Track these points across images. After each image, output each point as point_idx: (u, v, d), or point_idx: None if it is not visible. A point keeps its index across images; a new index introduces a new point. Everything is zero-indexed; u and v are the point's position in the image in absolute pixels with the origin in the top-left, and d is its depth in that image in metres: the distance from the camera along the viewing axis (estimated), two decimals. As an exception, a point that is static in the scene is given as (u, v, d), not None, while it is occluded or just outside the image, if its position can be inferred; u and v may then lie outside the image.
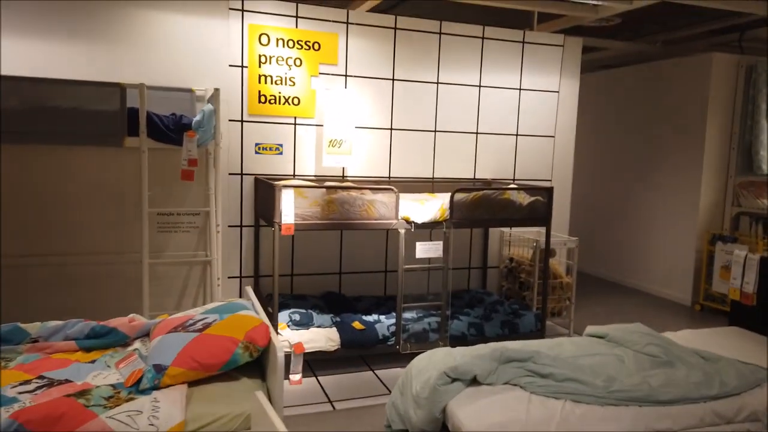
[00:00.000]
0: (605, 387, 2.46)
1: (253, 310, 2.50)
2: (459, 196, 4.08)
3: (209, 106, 3.69)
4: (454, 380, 2.50)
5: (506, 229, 5.19)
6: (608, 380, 2.52)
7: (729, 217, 6.00)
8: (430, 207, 4.06)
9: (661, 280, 6.42)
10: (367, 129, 4.75)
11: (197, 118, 3.62)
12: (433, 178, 5.00)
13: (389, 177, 4.86)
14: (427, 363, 2.72)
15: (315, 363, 4.00)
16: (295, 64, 4.43)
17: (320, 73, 4.53)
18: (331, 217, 3.78)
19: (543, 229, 4.46)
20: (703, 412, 2.45)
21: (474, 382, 2.52)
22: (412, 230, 3.99)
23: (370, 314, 4.25)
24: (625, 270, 6.91)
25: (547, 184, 5.29)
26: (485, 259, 5.25)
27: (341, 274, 4.79)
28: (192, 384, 2.08)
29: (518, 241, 5.16)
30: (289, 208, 3.63)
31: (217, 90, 3.80)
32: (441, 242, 4.06)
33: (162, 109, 3.82)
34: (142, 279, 3.61)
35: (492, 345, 2.77)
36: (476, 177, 5.17)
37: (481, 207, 4.18)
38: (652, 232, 6.54)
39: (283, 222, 3.61)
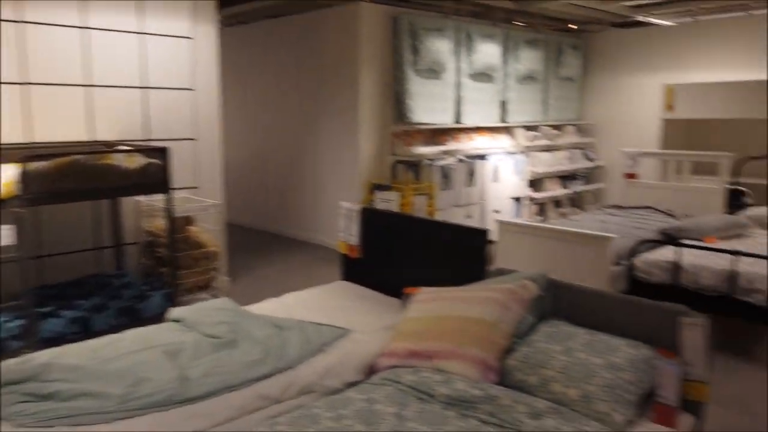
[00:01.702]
0: (124, 396, 2.00)
1: None
2: (35, 164, 3.24)
3: None
4: None
5: (142, 198, 4.50)
6: (134, 385, 2.07)
7: (388, 165, 6.22)
8: (-15, 182, 3.15)
9: (333, 232, 6.47)
10: None
11: None
12: (30, 143, 4.02)
13: (-41, 145, 3.73)
14: None
15: None
16: None
17: None
18: None
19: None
20: (244, 399, 2.16)
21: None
22: (-40, 214, 3.04)
23: (-71, 328, 3.22)
24: (300, 224, 6.86)
25: (191, 143, 4.73)
26: (119, 234, 4.50)
27: None
28: None
29: (157, 211, 4.51)
30: None
31: None
32: (11, 226, 3.19)
33: None
34: None
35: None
36: (97, 140, 4.33)
37: (71, 176, 3.39)
38: (321, 184, 6.53)
39: None
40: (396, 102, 6.16)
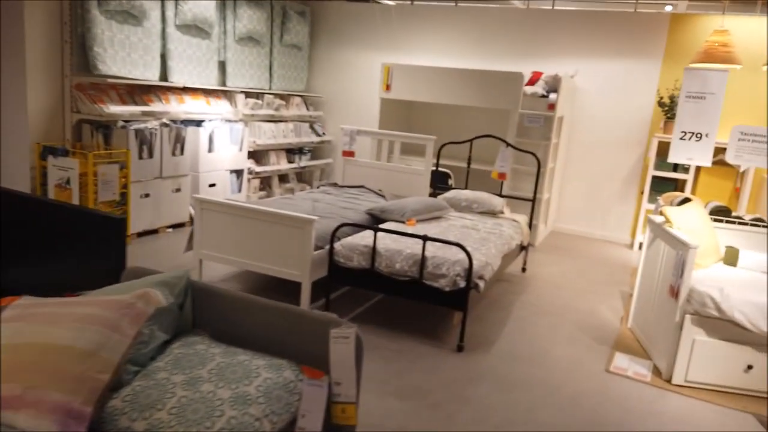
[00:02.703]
0: None
1: None
2: None
3: None
4: None
5: None
6: None
7: (70, 125, 5.05)
8: None
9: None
10: None
11: None
12: None
13: None
14: None
15: None
16: None
17: None
18: None
19: None
20: None
21: None
22: None
23: None
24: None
25: None
26: None
27: None
28: None
29: None
30: None
31: None
32: None
33: None
34: None
35: None
36: None
37: None
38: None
39: None
40: (80, 47, 4.99)
